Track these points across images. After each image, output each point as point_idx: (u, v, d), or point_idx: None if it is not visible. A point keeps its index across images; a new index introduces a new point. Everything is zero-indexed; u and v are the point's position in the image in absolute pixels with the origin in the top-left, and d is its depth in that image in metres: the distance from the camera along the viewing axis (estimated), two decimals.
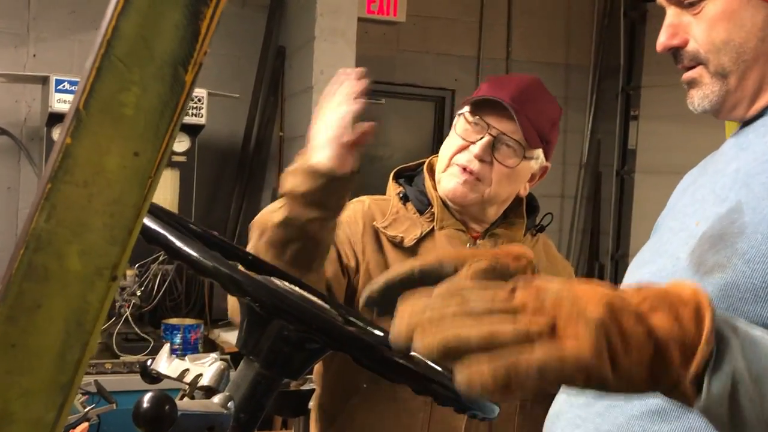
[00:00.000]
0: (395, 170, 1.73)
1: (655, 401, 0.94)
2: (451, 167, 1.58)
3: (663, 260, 1.03)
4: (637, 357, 0.69)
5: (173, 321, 3.50)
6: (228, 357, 3.33)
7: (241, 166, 4.48)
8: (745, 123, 1.07)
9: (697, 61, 1.05)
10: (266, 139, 4.54)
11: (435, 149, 1.68)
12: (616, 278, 5.30)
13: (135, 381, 2.95)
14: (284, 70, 4.49)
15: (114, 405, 2.58)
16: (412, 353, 0.69)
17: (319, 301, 0.96)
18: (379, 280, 0.90)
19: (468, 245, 1.61)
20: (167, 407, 0.71)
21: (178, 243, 0.76)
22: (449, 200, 1.60)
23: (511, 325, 0.67)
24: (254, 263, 1.06)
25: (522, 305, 0.68)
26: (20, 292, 0.60)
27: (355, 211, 1.61)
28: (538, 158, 1.63)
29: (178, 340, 3.42)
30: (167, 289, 3.62)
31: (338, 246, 1.54)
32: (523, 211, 1.68)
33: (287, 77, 4.47)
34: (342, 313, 1.02)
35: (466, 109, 1.60)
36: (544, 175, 1.69)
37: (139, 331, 3.44)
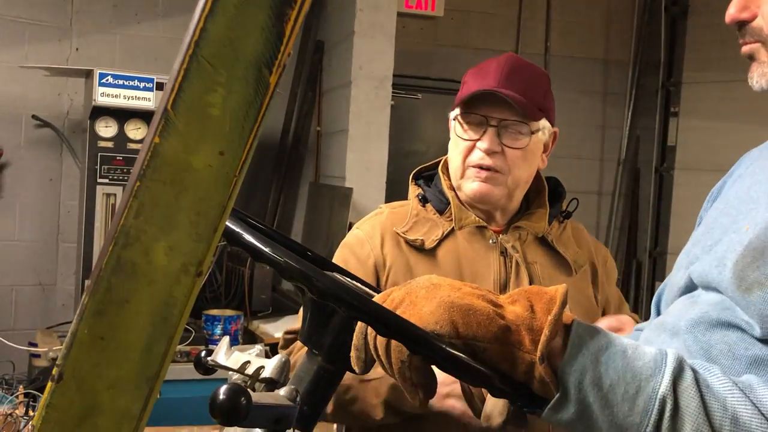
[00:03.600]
0: (414, 171, 1.73)
1: None
2: (467, 170, 1.58)
3: (709, 261, 1.01)
4: (482, 329, 0.79)
5: (213, 312, 3.53)
6: (267, 348, 3.36)
7: (279, 160, 4.51)
8: None
9: (758, 38, 1.02)
10: (304, 134, 4.57)
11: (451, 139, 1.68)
12: (654, 275, 5.25)
13: (176, 371, 2.99)
14: (322, 65, 4.51)
15: (158, 394, 2.62)
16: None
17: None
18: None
19: (490, 241, 1.60)
20: (243, 399, 0.72)
21: (258, 243, 0.77)
22: (477, 203, 1.60)
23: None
24: (315, 259, 1.08)
25: (392, 301, 0.86)
26: (109, 287, 0.62)
27: (374, 226, 1.64)
28: (544, 128, 1.61)
29: (218, 330, 3.46)
30: (207, 281, 3.66)
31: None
32: (545, 200, 1.65)
33: (325, 72, 4.49)
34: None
35: (458, 110, 1.59)
36: (556, 140, 1.67)
37: None
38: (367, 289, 0.96)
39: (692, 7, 5.01)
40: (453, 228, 1.60)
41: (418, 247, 1.58)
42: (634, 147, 5.39)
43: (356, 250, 1.61)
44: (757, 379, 0.81)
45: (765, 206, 0.98)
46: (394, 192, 4.20)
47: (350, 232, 1.68)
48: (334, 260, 1.65)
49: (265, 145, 4.51)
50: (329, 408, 1.46)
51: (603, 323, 1.48)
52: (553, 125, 1.64)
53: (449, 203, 1.62)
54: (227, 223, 0.81)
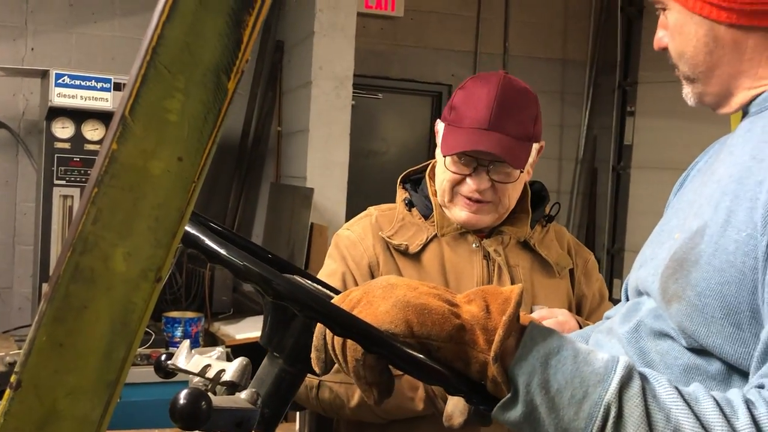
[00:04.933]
0: (402, 175, 1.73)
1: None
2: (456, 198, 1.58)
3: (648, 269, 1.04)
4: (437, 328, 0.81)
5: (174, 314, 3.50)
6: (229, 350, 3.34)
7: (239, 161, 4.49)
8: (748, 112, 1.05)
9: (674, 65, 1.08)
10: (264, 134, 4.55)
11: (431, 145, 1.68)
12: (612, 272, 5.33)
13: (137, 374, 2.96)
14: (283, 64, 4.50)
15: (118, 398, 2.59)
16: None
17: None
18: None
19: (474, 245, 1.61)
20: (203, 403, 0.72)
21: (216, 246, 0.78)
22: (467, 228, 1.61)
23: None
24: (275, 261, 1.08)
25: (350, 301, 0.87)
26: (67, 293, 0.61)
27: (364, 227, 1.64)
28: (534, 149, 1.61)
29: (179, 333, 3.43)
30: (167, 283, 3.62)
31: (345, 279, 1.59)
32: (528, 206, 1.67)
33: (286, 72, 4.48)
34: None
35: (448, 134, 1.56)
36: (541, 151, 1.66)
37: None
38: (327, 291, 0.96)
39: (648, 7, 5.09)
40: (437, 234, 1.62)
41: (403, 252, 1.60)
42: (592, 146, 5.47)
43: (351, 251, 1.62)
44: (704, 390, 0.82)
45: (693, 214, 1.00)
46: (357, 192, 4.21)
47: (340, 233, 1.68)
48: (326, 261, 1.67)
49: (225, 146, 4.49)
50: (352, 401, 1.47)
51: (535, 314, 1.50)
52: (540, 140, 1.63)
53: (434, 210, 1.63)
54: (186, 227, 0.81)
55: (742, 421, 0.75)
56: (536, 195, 1.71)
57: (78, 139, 3.53)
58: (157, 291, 0.63)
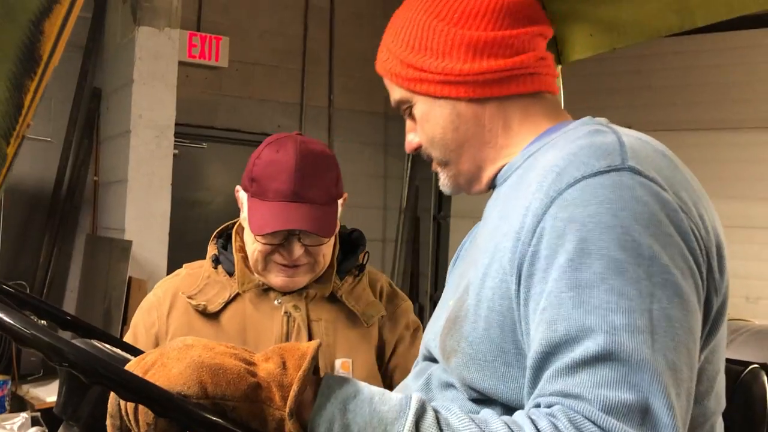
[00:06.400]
0: (218, 230, 1.71)
1: None
2: (270, 265, 1.57)
3: (432, 333, 1.12)
4: (231, 388, 0.83)
5: None
6: (38, 414, 3.13)
7: (52, 212, 4.28)
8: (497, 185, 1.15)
9: (428, 156, 1.17)
10: (80, 184, 4.37)
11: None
12: None
13: None
14: (100, 112, 4.36)
15: None
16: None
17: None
18: None
19: (276, 302, 1.60)
20: None
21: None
22: (284, 291, 1.60)
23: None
24: (73, 323, 1.04)
25: (144, 364, 0.87)
26: None
27: (166, 290, 1.63)
28: (338, 206, 1.61)
29: None
30: None
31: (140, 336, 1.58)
32: (334, 260, 1.65)
33: (103, 120, 4.34)
34: None
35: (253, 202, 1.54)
36: (345, 201, 1.65)
37: None
38: (125, 355, 0.94)
39: None
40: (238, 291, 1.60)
41: (202, 311, 1.58)
42: (414, 196, 5.66)
43: (144, 317, 1.62)
44: (493, 414, 0.88)
45: (457, 280, 1.09)
46: (179, 243, 4.10)
47: (150, 292, 1.67)
48: (133, 322, 1.64)
49: (36, 196, 4.26)
50: None
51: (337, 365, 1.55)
52: (342, 194, 1.63)
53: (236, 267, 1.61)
54: None
55: None
56: (351, 242, 1.73)
57: None
58: None
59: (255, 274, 1.61)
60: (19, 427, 1.63)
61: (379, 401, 0.85)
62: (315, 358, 0.86)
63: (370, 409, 0.84)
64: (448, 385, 1.02)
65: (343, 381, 0.87)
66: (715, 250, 0.94)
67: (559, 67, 1.63)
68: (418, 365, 1.16)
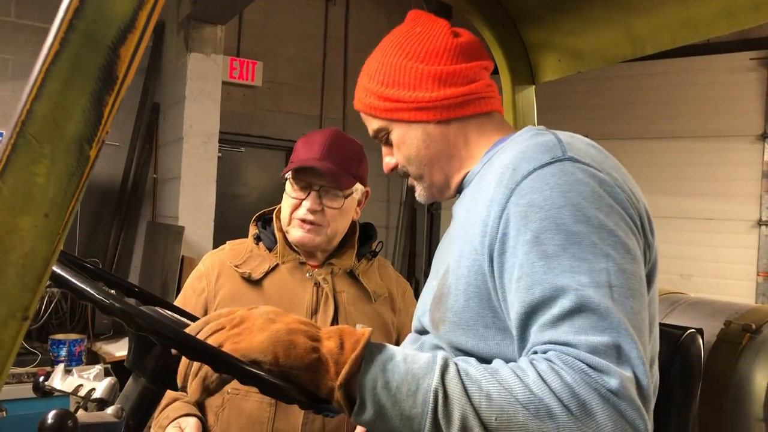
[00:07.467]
0: (257, 214, 1.71)
1: None
2: (294, 221, 1.59)
3: (422, 308, 1.12)
4: (298, 361, 0.83)
5: (59, 336, 3.25)
6: (109, 366, 3.14)
7: (119, 202, 4.27)
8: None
9: (405, 173, 1.17)
10: (142, 180, 4.36)
11: (284, 191, 1.68)
12: None
13: (23, 390, 2.74)
14: (158, 122, 4.34)
15: (4, 412, 2.37)
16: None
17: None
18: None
19: (307, 274, 1.61)
20: (70, 422, 0.68)
21: (83, 286, 0.73)
22: (300, 247, 1.61)
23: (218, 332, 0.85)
24: (138, 292, 1.03)
25: (232, 320, 0.86)
26: None
27: (213, 261, 1.63)
28: (357, 189, 1.65)
29: (63, 352, 3.18)
30: (53, 310, 3.36)
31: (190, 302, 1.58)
32: (355, 241, 1.68)
33: (161, 129, 4.32)
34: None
35: (290, 174, 1.61)
36: (368, 197, 1.71)
37: (27, 346, 3.19)
38: (184, 320, 0.93)
39: None
40: (278, 263, 1.61)
41: (247, 278, 1.58)
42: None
43: (195, 284, 1.61)
44: (501, 362, 0.87)
45: (439, 264, 1.09)
46: (222, 228, 4.10)
47: (198, 265, 1.66)
48: (184, 288, 1.64)
49: (107, 190, 4.26)
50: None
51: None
52: (365, 185, 1.67)
53: (278, 243, 1.62)
54: (58, 269, 0.76)
55: (531, 377, 0.81)
56: (366, 233, 1.73)
57: None
58: (24, 328, 0.59)
59: (283, 232, 1.62)
60: (95, 377, 1.63)
61: (411, 360, 0.85)
62: (367, 346, 0.85)
63: (405, 367, 0.83)
64: (438, 348, 1.02)
65: (381, 347, 0.86)
66: (645, 215, 0.96)
67: (533, 86, 1.62)
68: (411, 335, 1.16)
